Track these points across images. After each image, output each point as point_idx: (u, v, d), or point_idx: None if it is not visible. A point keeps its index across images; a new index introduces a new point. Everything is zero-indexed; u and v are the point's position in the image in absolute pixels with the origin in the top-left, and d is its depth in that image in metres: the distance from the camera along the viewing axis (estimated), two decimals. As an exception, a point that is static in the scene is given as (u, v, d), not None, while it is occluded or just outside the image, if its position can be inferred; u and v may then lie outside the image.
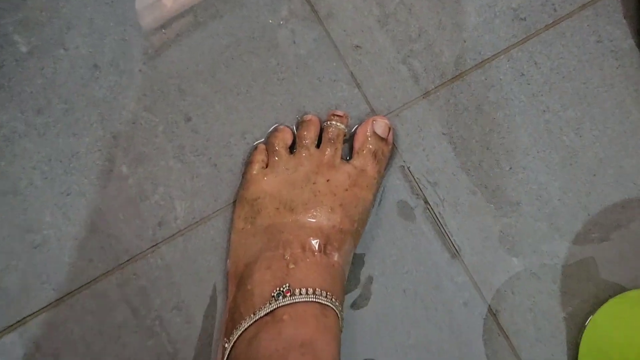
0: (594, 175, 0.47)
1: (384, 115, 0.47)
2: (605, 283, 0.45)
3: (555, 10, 0.48)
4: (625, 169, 0.47)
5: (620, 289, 0.45)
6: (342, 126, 0.45)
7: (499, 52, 0.48)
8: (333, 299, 0.39)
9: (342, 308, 0.41)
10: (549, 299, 0.45)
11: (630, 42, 0.48)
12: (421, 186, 0.47)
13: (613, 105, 0.48)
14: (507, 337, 0.45)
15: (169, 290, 0.45)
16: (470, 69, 0.48)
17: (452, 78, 0.47)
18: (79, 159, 0.45)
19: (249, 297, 0.40)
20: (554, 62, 0.48)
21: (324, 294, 0.39)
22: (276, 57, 0.47)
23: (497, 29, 0.48)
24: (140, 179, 0.45)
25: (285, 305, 0.38)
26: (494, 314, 0.45)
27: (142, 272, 0.45)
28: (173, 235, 0.45)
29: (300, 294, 0.38)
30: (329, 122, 0.45)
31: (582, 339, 0.44)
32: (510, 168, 0.47)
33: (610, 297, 0.45)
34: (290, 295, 0.38)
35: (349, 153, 0.46)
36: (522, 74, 0.48)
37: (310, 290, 0.38)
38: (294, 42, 0.47)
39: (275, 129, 0.46)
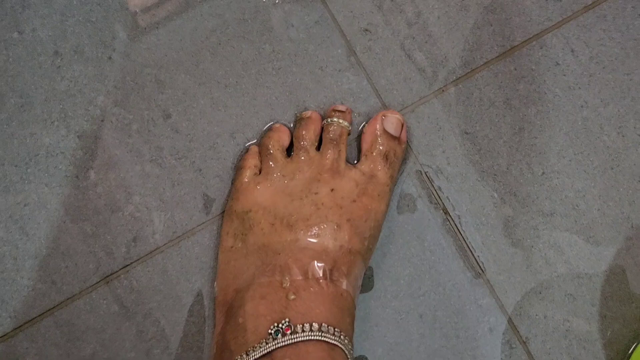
0: (639, 181, 0.45)
1: (396, 111, 0.45)
2: (651, 305, 0.45)
3: (595, -12, 0.48)
4: (674, 174, 0.46)
5: (667, 312, 0.45)
6: (345, 123, 0.43)
7: (531, 38, 0.46)
8: (342, 337, 0.36)
9: (352, 346, 0.37)
10: (586, 323, 0.44)
11: (682, 26, 0.47)
12: (440, 194, 0.45)
13: (660, 99, 0.47)
14: (539, 369, 0.44)
15: (146, 317, 0.43)
16: (497, 57, 0.46)
17: (476, 68, 0.46)
18: (37, 163, 0.44)
19: (241, 332, 0.36)
20: (594, 50, 0.46)
21: (331, 330, 0.35)
22: (271, 42, 0.46)
23: (528, 10, 0.47)
24: (111, 186, 0.44)
25: (285, 345, 0.35)
26: (524, 342, 0.44)
27: (114, 297, 0.43)
28: (150, 252, 0.44)
29: (303, 331, 0.35)
30: (329, 120, 0.43)
31: (627, 370, 0.43)
32: (543, 173, 0.45)
33: (657, 321, 0.44)
34: (290, 333, 0.35)
35: (357, 156, 0.45)
36: (557, 64, 0.46)
37: (315, 327, 0.35)
38: (292, 25, 0.46)
39: (270, 128, 0.44)
